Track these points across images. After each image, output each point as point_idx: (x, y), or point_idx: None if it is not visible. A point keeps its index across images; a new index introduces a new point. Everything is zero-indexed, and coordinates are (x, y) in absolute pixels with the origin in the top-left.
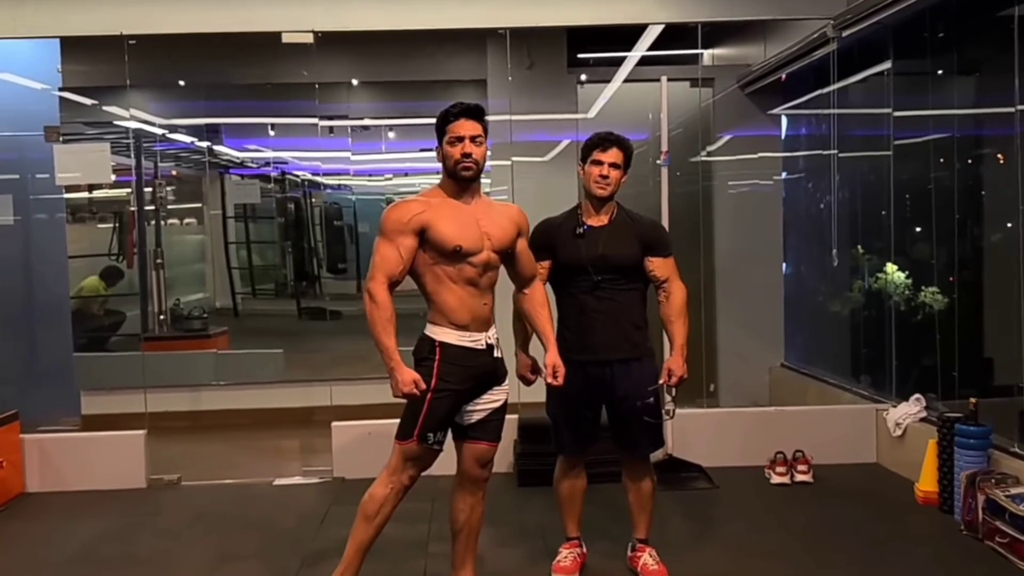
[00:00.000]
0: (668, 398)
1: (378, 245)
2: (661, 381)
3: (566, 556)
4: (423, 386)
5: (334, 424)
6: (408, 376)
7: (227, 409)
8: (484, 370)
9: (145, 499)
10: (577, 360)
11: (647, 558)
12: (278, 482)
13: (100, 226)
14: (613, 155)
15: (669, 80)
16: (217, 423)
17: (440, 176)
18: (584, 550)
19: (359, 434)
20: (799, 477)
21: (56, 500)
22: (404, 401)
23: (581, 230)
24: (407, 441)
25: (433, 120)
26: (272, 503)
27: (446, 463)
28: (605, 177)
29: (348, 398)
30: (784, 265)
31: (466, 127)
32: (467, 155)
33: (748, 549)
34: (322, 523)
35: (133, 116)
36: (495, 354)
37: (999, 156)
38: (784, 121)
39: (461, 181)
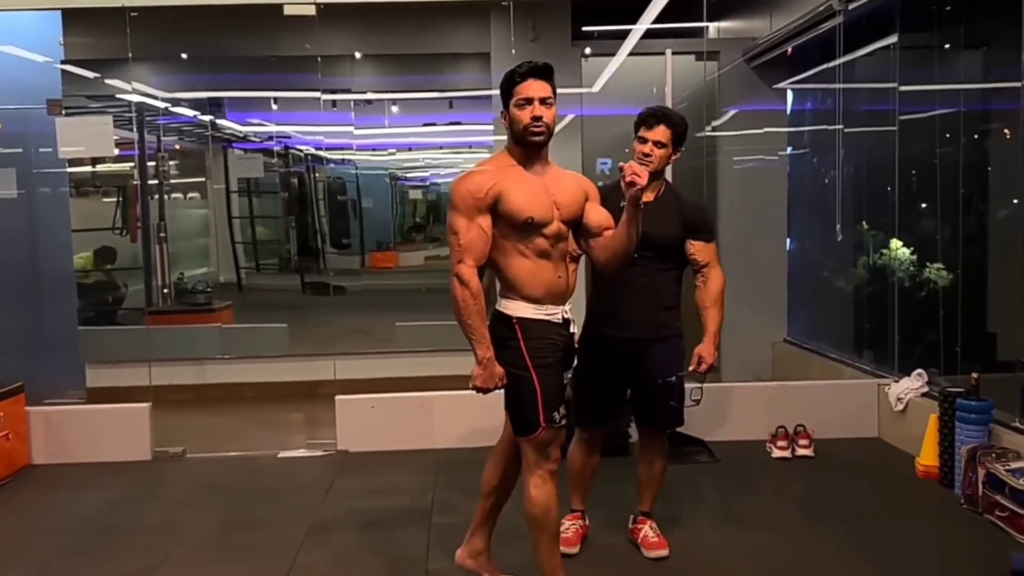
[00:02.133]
0: (696, 384)
1: (456, 224)
2: (691, 368)
3: (568, 527)
4: (504, 382)
5: (338, 397)
6: (501, 372)
7: (231, 383)
8: (565, 343)
9: (150, 471)
10: (606, 335)
11: (648, 530)
12: (283, 454)
13: (104, 200)
14: (659, 133)
15: (674, 54)
16: (222, 396)
17: (507, 142)
18: (587, 523)
19: (362, 407)
20: (800, 451)
21: (62, 472)
22: (413, 375)
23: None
24: (536, 433)
25: (436, 94)
26: (277, 475)
27: (450, 435)
28: (648, 155)
29: (352, 372)
30: (788, 241)
31: (535, 88)
32: (537, 118)
33: (748, 522)
34: (327, 494)
35: (135, 89)
36: (571, 329)
37: (1006, 131)
38: (790, 95)
39: (530, 147)
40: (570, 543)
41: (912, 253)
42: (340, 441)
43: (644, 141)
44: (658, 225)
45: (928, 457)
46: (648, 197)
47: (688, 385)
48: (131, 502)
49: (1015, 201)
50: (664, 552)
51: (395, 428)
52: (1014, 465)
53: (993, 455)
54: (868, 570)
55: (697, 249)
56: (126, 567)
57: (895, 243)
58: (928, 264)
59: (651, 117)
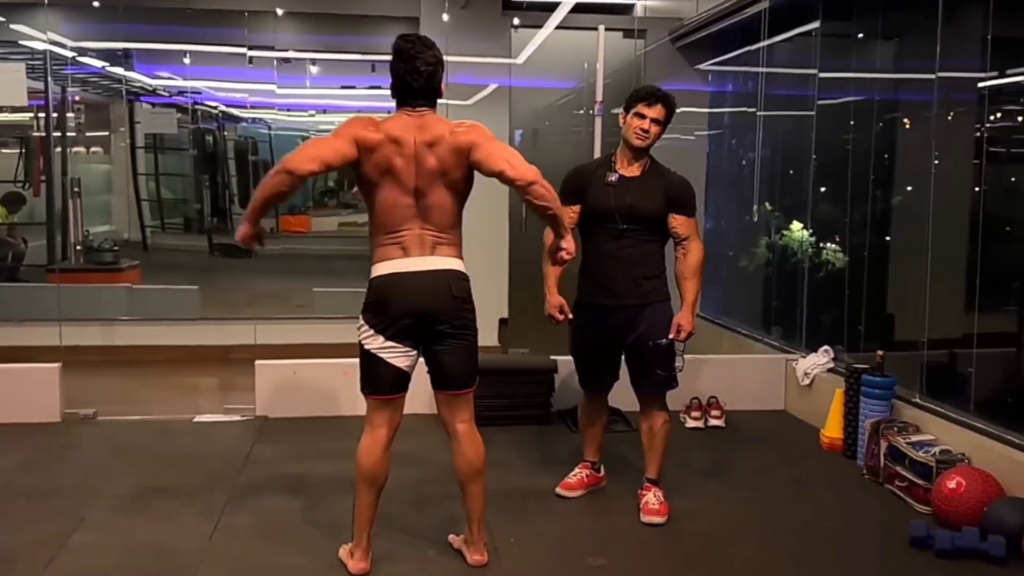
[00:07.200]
0: (677, 353)
1: None
2: (671, 335)
3: (575, 474)
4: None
5: (258, 362)
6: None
7: (142, 345)
8: None
9: (61, 433)
10: (593, 303)
11: (650, 497)
12: (199, 419)
13: (3, 151)
14: (657, 111)
15: (607, 30)
16: (132, 359)
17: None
18: (600, 474)
19: (284, 373)
20: (712, 422)
21: None
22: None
23: (613, 178)
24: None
25: (360, 56)
26: (194, 439)
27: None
28: (646, 131)
29: (268, 337)
30: (705, 219)
31: None
32: None
33: None
34: (247, 460)
35: (44, 36)
36: None
37: (905, 121)
38: (712, 77)
39: None
40: (569, 487)
41: (812, 235)
42: (259, 407)
43: (643, 117)
44: (643, 199)
45: (832, 429)
46: (635, 171)
47: None
48: (42, 465)
49: (914, 188)
50: (658, 519)
51: (317, 394)
52: (914, 438)
53: (895, 429)
54: (773, 537)
55: (679, 223)
56: (39, 531)
57: (795, 225)
58: (823, 245)
59: (651, 96)
